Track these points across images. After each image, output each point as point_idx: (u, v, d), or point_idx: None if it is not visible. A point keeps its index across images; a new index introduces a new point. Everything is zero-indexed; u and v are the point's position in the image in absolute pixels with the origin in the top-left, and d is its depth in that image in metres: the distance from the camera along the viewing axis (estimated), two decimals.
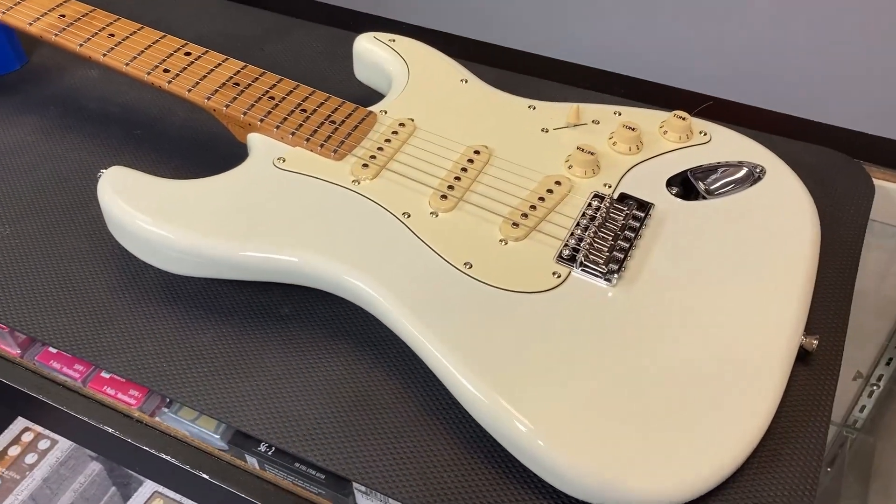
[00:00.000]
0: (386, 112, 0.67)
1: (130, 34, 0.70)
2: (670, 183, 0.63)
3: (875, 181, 0.73)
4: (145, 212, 0.58)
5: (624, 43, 0.82)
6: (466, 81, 0.71)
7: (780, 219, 0.62)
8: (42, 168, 0.73)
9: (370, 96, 0.72)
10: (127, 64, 0.67)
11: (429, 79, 0.71)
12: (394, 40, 0.74)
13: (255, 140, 0.64)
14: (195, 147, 0.75)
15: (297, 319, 0.61)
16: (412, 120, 0.67)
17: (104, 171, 0.61)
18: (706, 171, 0.65)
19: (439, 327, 0.53)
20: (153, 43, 0.69)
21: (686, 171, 0.64)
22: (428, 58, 0.73)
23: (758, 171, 0.65)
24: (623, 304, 0.55)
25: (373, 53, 0.74)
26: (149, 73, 0.67)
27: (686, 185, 0.64)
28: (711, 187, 0.64)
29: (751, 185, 0.64)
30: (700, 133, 0.68)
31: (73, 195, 0.71)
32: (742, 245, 0.59)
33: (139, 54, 0.68)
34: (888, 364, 0.86)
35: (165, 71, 0.67)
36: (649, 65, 0.83)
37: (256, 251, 0.57)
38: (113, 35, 0.69)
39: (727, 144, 0.67)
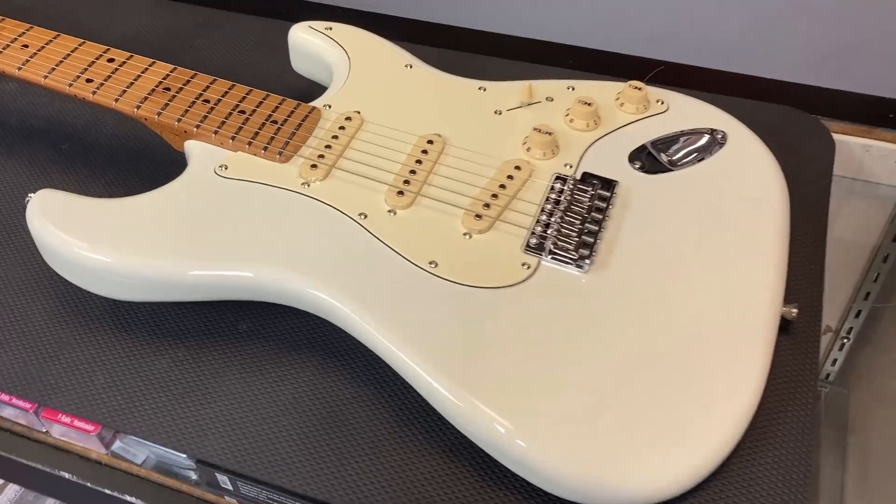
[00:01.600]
0: (330, 106, 0.64)
1: (46, 43, 0.65)
2: (632, 157, 0.61)
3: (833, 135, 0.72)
4: (82, 237, 0.54)
5: (568, 11, 0.79)
6: (411, 67, 0.68)
7: (748, 185, 0.60)
8: None
9: (312, 89, 0.68)
10: (45, 77, 0.63)
11: (371, 67, 0.67)
12: (330, 28, 0.70)
13: (193, 148, 0.60)
14: (129, 159, 0.70)
15: (257, 335, 0.58)
16: (358, 113, 0.63)
17: (32, 194, 0.56)
18: (667, 142, 0.63)
19: (408, 333, 0.50)
20: (72, 51, 0.64)
21: (646, 143, 0.62)
22: (368, 44, 0.69)
23: (720, 136, 0.63)
24: (597, 291, 0.53)
25: (309, 44, 0.70)
26: (70, 85, 0.62)
27: (649, 158, 0.61)
28: (674, 158, 0.61)
29: (714, 152, 0.62)
30: (657, 102, 0.65)
31: (1, 220, 0.66)
32: (712, 216, 0.57)
33: (57, 65, 0.63)
34: (857, 317, 0.86)
35: (88, 81, 0.62)
36: (595, 32, 0.80)
37: (206, 269, 0.53)
38: (27, 46, 0.64)
39: (685, 112, 0.65)
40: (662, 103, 0.65)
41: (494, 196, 0.57)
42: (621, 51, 0.80)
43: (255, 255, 0.54)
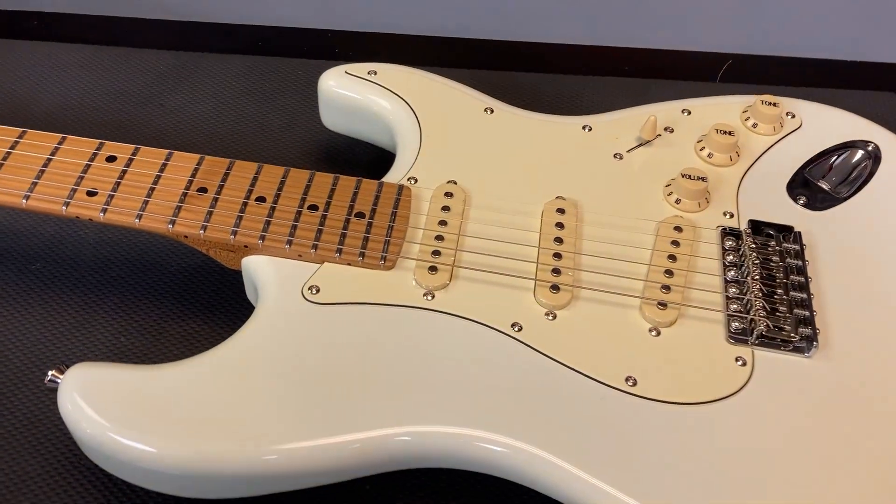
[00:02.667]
0: (416, 180, 0.49)
1: (11, 147, 0.47)
2: (792, 192, 0.51)
3: None
4: (163, 435, 0.38)
5: (618, 11, 0.67)
6: (492, 111, 0.54)
7: None
8: None
9: (346, 146, 0.54)
10: (27, 197, 0.45)
11: (444, 118, 0.53)
12: (374, 73, 0.55)
13: (259, 268, 0.45)
14: (160, 286, 0.53)
15: None
16: (455, 183, 0.49)
17: (58, 374, 0.40)
18: (820, 166, 0.53)
19: (625, 482, 0.38)
20: (52, 153, 0.47)
21: (802, 172, 0.52)
22: (429, 88, 0.55)
23: (870, 148, 0.53)
24: (829, 378, 0.42)
25: (351, 96, 0.55)
26: (67, 204, 0.45)
27: (810, 190, 0.51)
28: (836, 185, 0.52)
29: (874, 170, 0.52)
30: (788, 116, 0.55)
31: None
32: None
33: (38, 177, 0.46)
34: None
35: (90, 194, 0.46)
36: (648, 31, 0.69)
37: (350, 434, 0.39)
38: None
39: (820, 123, 0.55)
40: (794, 117, 0.55)
41: (668, 273, 0.45)
42: (681, 47, 0.70)
43: (399, 410, 0.40)
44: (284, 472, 0.39)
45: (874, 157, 0.53)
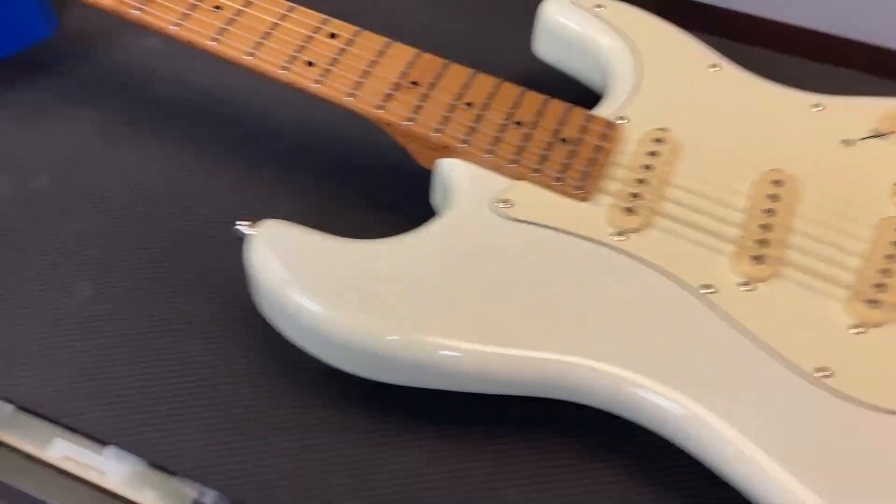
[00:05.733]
0: (626, 120, 0.47)
1: (243, 6, 0.48)
2: None
3: None
4: (333, 298, 0.38)
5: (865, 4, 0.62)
6: (718, 68, 0.51)
7: None
8: (116, 192, 0.52)
9: (550, 77, 0.52)
10: (250, 54, 0.46)
11: (667, 65, 0.51)
12: (601, 6, 0.53)
13: (453, 171, 0.44)
14: (336, 157, 0.54)
15: None
16: (665, 131, 0.47)
17: (247, 225, 0.41)
18: None
19: (809, 477, 0.35)
20: (279, 19, 0.48)
21: None
22: (657, 33, 0.53)
23: None
24: None
25: (573, 27, 0.53)
26: (286, 69, 0.46)
27: None
28: None
29: None
30: None
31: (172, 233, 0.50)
32: None
33: (264, 38, 0.47)
34: None
35: (309, 64, 0.46)
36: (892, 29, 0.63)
37: (512, 349, 0.38)
38: (219, 7, 0.48)
39: None
40: None
41: (885, 272, 0.41)
42: None
43: (567, 337, 0.38)
44: (441, 367, 0.38)
45: None
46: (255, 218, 0.42)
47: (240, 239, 0.41)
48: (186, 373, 0.44)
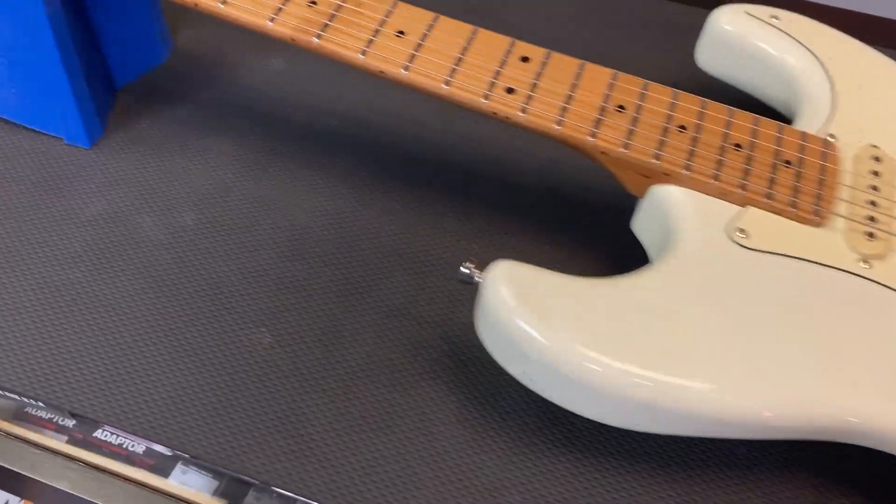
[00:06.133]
0: (835, 138, 0.45)
1: (427, 29, 0.45)
2: None
3: None
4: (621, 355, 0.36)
5: None
6: None
7: None
8: (279, 228, 0.49)
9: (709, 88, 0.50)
10: (447, 83, 0.43)
11: (858, 79, 0.49)
12: (777, 18, 0.51)
13: (674, 199, 0.42)
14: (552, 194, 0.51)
15: None
16: (877, 148, 0.45)
17: (470, 266, 0.38)
18: None
19: None
20: (468, 43, 0.45)
21: None
22: (843, 45, 0.50)
23: None
24: None
25: (749, 39, 0.51)
26: (487, 97, 0.43)
27: None
28: None
29: None
30: None
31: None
32: None
33: (457, 63, 0.44)
34: None
35: (509, 91, 0.43)
36: None
37: (790, 406, 0.36)
38: (403, 33, 0.45)
39: None
40: None
41: None
42: None
43: (844, 390, 0.36)
44: (706, 416, 0.36)
45: None
46: (472, 258, 0.39)
47: (464, 282, 0.39)
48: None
